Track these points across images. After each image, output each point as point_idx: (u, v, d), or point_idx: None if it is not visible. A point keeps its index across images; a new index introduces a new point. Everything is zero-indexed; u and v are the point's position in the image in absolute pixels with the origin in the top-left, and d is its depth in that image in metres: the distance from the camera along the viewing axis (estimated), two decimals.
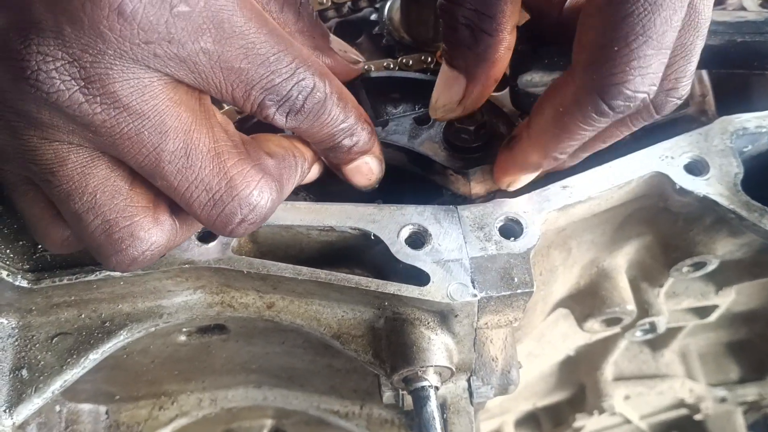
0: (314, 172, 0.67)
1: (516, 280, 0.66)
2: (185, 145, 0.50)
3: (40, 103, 0.45)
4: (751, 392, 1.37)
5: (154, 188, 0.54)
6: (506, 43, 0.61)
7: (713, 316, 1.07)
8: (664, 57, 0.51)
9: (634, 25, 0.49)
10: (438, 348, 0.67)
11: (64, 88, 0.45)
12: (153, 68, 0.47)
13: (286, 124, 0.55)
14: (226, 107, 0.77)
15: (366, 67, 0.80)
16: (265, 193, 0.54)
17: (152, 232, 0.53)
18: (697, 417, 1.39)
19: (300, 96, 0.54)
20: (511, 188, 0.70)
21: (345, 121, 0.59)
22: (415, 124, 0.75)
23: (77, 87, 0.45)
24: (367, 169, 0.66)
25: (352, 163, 0.65)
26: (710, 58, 0.83)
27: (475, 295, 0.65)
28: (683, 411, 1.41)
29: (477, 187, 0.73)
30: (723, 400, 1.37)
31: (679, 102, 0.58)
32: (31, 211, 0.56)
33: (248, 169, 0.53)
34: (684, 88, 0.57)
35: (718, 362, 1.38)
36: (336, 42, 0.68)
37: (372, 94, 0.75)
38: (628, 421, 1.40)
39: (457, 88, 0.65)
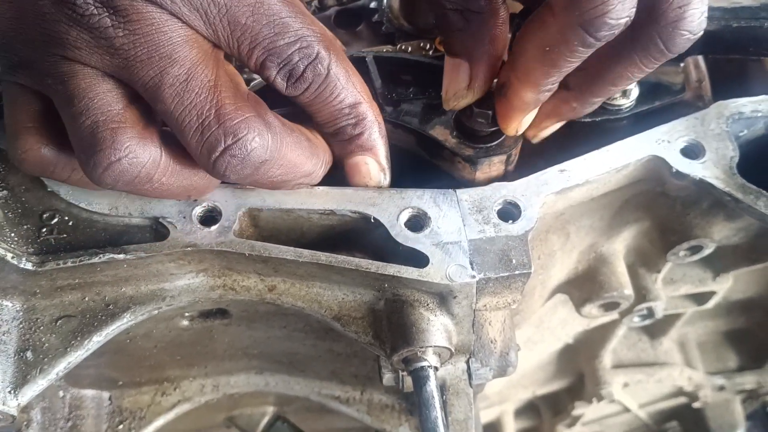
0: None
1: (514, 261, 0.67)
2: (188, 73, 0.54)
3: (71, 24, 0.51)
4: (749, 380, 1.37)
5: (147, 116, 0.57)
6: (499, 17, 0.61)
7: (711, 303, 1.07)
8: None
9: None
10: (437, 329, 0.67)
11: (96, 13, 0.51)
12: (170, 12, 0.52)
13: (286, 91, 0.57)
14: None
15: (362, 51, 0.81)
16: (253, 130, 0.55)
17: (133, 141, 0.55)
18: (696, 405, 1.40)
19: (300, 63, 0.56)
20: (519, 133, 0.71)
21: (351, 106, 0.61)
22: (428, 109, 0.75)
23: (106, 13, 0.51)
24: (365, 170, 0.67)
25: (352, 157, 0.66)
26: (706, 43, 0.84)
27: (474, 277, 0.65)
28: (682, 399, 1.41)
29: (481, 176, 0.74)
30: (721, 388, 1.37)
31: (692, 36, 0.57)
32: (15, 116, 0.59)
33: (242, 104, 0.56)
34: (692, 17, 0.55)
35: (717, 351, 1.38)
36: None
37: (384, 74, 0.77)
38: (627, 410, 1.40)
39: (462, 75, 0.65)
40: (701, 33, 0.57)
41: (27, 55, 0.55)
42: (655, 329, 1.29)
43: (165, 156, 0.58)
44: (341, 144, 0.65)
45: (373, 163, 0.67)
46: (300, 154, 0.61)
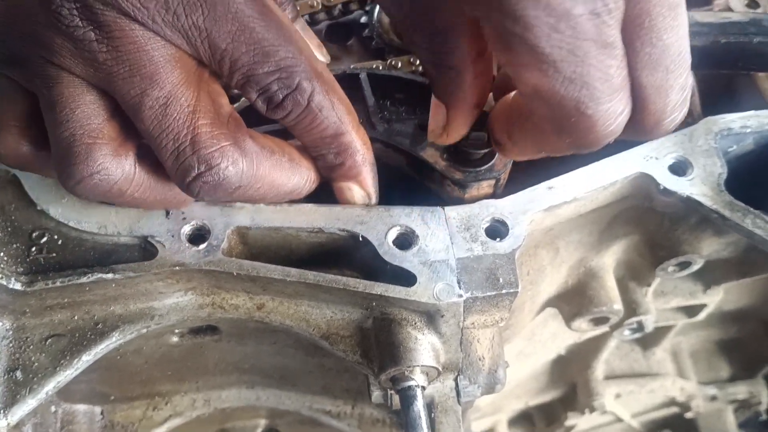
0: None
1: (501, 280, 0.67)
2: (167, 96, 0.54)
3: (58, 32, 0.52)
4: (741, 390, 1.38)
5: (126, 131, 0.58)
6: (471, 72, 0.60)
7: (702, 315, 1.07)
8: (624, 93, 0.50)
9: (577, 96, 0.49)
10: (425, 348, 0.68)
11: (81, 25, 0.51)
12: (152, 30, 0.52)
13: (266, 113, 0.58)
14: None
15: (352, 67, 0.82)
16: (227, 159, 0.56)
17: (107, 158, 0.56)
18: (688, 415, 1.40)
19: (279, 92, 0.56)
20: None
21: (333, 137, 0.62)
22: (419, 130, 0.76)
23: (90, 27, 0.51)
24: (349, 196, 0.68)
25: (336, 182, 0.68)
26: (695, 59, 0.84)
27: (461, 296, 0.66)
28: (674, 409, 1.41)
29: (469, 198, 0.75)
30: (714, 398, 1.38)
31: (669, 132, 0.58)
32: (3, 113, 0.60)
33: (218, 133, 0.56)
34: (669, 124, 0.55)
35: (709, 360, 1.39)
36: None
37: (377, 91, 0.77)
38: (619, 420, 1.41)
39: (441, 116, 0.65)
40: None
41: (17, 52, 0.55)
42: (648, 340, 1.29)
43: (139, 172, 0.59)
44: (325, 169, 0.66)
45: (357, 189, 0.68)
46: (280, 176, 0.63)
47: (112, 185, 0.57)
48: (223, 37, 0.53)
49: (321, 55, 0.73)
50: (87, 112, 0.55)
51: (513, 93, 0.63)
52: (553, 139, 0.55)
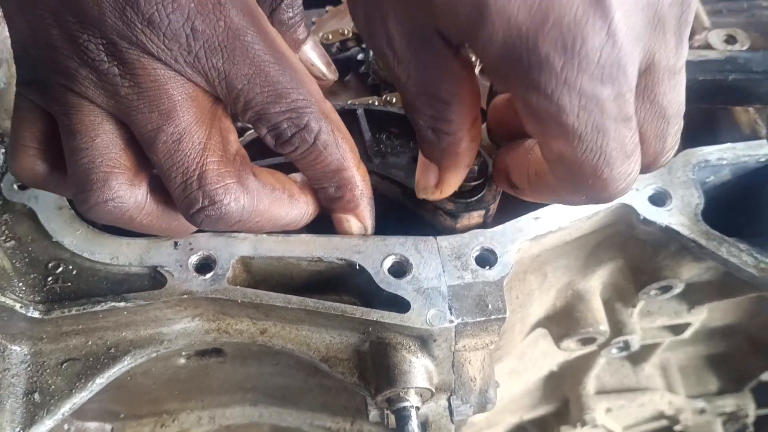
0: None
1: (490, 306, 0.71)
2: (181, 132, 0.58)
3: (83, 64, 0.55)
4: (729, 403, 1.41)
5: (140, 160, 0.61)
6: (467, 138, 0.64)
7: (687, 333, 1.11)
8: (634, 156, 0.55)
9: (595, 164, 0.53)
10: (418, 370, 0.71)
11: (106, 60, 0.54)
12: (174, 69, 0.56)
13: (274, 148, 0.62)
14: None
15: (350, 102, 0.86)
16: (230, 196, 0.60)
17: (122, 187, 0.60)
18: (677, 428, 1.43)
19: (288, 130, 0.60)
20: None
21: (335, 172, 0.66)
22: (413, 163, 0.79)
23: (115, 63, 0.55)
24: (346, 227, 0.73)
25: (335, 213, 0.72)
26: None
27: (452, 321, 0.70)
28: (663, 422, 1.45)
29: (460, 227, 0.79)
30: (702, 411, 1.41)
31: (663, 167, 0.63)
32: (19, 132, 0.63)
33: (224, 170, 0.60)
34: (664, 161, 0.61)
35: (698, 375, 1.42)
36: (310, 52, 0.73)
37: (373, 126, 0.82)
38: None
39: (432, 175, 0.69)
40: None
41: (38, 76, 0.58)
42: (637, 356, 1.32)
43: (150, 202, 0.63)
44: (325, 200, 0.70)
45: (354, 221, 0.72)
46: (278, 211, 0.66)
47: (124, 212, 0.61)
48: (240, 78, 0.57)
49: (330, 73, 0.76)
50: (106, 141, 0.59)
51: (534, 145, 0.67)
52: (570, 196, 0.61)
